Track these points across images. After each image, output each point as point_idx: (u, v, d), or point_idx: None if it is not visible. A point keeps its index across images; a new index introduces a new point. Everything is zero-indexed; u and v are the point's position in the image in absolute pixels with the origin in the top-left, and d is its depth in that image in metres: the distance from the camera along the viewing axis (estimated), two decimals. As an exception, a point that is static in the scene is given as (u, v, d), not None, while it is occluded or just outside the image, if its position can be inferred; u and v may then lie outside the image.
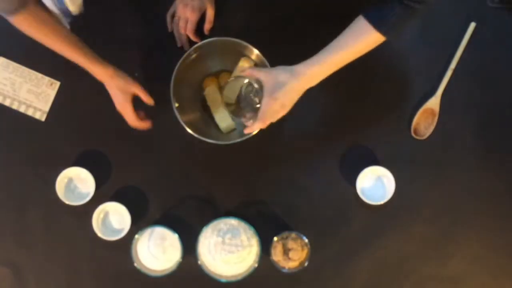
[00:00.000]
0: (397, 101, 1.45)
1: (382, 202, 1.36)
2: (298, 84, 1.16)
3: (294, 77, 1.15)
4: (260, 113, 1.19)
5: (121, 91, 1.27)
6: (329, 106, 1.45)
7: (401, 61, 1.47)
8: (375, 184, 1.40)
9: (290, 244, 1.31)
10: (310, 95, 1.42)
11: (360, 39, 1.13)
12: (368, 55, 1.41)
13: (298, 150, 1.43)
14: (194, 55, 1.33)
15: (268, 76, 1.18)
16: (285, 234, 1.31)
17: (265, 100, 1.17)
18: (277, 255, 1.32)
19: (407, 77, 1.47)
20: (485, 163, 1.42)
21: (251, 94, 1.25)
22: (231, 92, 1.32)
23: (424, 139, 1.43)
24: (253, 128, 1.22)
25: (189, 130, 1.29)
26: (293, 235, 1.31)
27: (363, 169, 1.36)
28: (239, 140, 1.29)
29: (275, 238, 1.31)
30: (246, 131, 1.23)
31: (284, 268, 1.31)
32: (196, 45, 1.30)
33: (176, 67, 1.29)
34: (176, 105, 1.29)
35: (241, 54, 1.35)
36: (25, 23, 1.19)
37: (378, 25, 1.10)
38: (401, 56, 1.47)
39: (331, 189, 1.41)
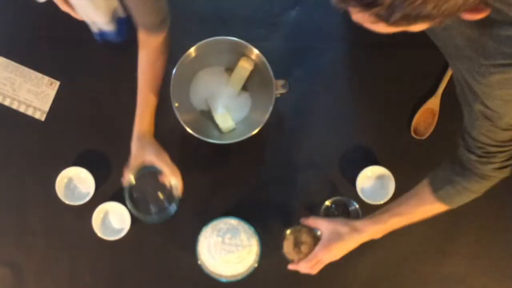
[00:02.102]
0: (397, 101, 1.45)
1: (382, 202, 1.36)
2: (357, 239, 1.17)
3: (354, 232, 1.16)
4: (310, 256, 1.21)
5: (137, 151, 1.23)
6: (329, 106, 1.45)
7: (401, 61, 1.47)
8: (375, 184, 1.40)
9: (304, 237, 1.28)
10: (310, 95, 1.43)
11: (421, 207, 1.13)
12: (368, 57, 1.42)
13: (298, 150, 1.42)
14: (194, 55, 1.33)
15: (328, 226, 1.19)
16: (298, 227, 1.29)
17: (319, 248, 1.19)
18: (288, 247, 1.29)
19: (407, 77, 1.46)
20: (485, 163, 1.42)
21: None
22: (237, 82, 1.33)
23: (424, 139, 1.43)
24: (298, 267, 1.23)
25: (189, 130, 1.29)
26: (306, 228, 1.29)
27: (363, 169, 1.36)
28: (239, 139, 1.29)
29: (288, 231, 1.29)
30: (290, 266, 1.25)
31: (293, 260, 1.29)
32: (196, 45, 1.30)
33: (176, 67, 1.29)
34: (176, 105, 1.29)
35: (241, 53, 1.35)
36: (157, 46, 1.18)
37: (437, 195, 1.09)
38: (400, 56, 1.47)
39: (331, 189, 1.41)
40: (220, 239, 1.32)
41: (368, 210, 1.36)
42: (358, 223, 1.17)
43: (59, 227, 1.39)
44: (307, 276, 1.38)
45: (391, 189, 1.36)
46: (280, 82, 1.30)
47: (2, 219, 1.39)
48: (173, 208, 1.28)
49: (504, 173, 1.02)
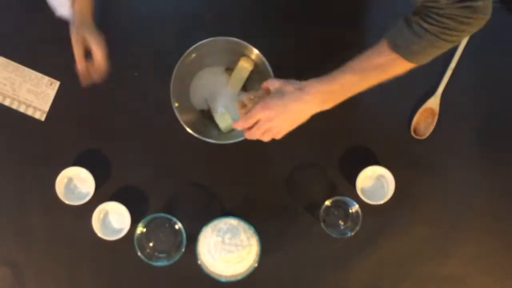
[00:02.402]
0: (397, 101, 1.45)
1: (382, 202, 1.36)
2: (299, 99, 1.03)
3: (297, 91, 1.03)
4: (248, 114, 1.08)
5: (76, 29, 1.19)
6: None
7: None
8: (375, 184, 1.40)
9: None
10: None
11: (381, 63, 1.01)
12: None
13: (298, 150, 1.42)
14: (194, 55, 1.33)
15: (276, 84, 1.07)
16: (259, 91, 1.16)
17: (258, 105, 1.07)
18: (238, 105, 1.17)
19: (407, 77, 1.46)
20: (485, 163, 1.43)
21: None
22: (237, 82, 1.36)
23: (424, 139, 1.43)
24: (237, 124, 1.11)
25: (189, 130, 1.29)
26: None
27: (363, 169, 1.36)
28: (239, 140, 1.29)
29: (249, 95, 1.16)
30: (234, 124, 1.13)
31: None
32: (196, 45, 1.30)
33: (176, 67, 1.29)
34: (176, 104, 1.29)
35: (241, 53, 1.35)
36: None
37: (404, 53, 0.98)
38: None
39: (331, 189, 1.41)
40: (220, 239, 1.32)
41: (368, 210, 1.36)
42: (305, 82, 1.02)
43: (59, 227, 1.39)
44: (307, 277, 1.38)
45: (391, 189, 1.36)
46: None
47: (2, 219, 1.39)
48: (180, 253, 1.32)
49: (469, 12, 0.91)
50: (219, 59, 1.40)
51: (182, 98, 1.34)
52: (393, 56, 0.99)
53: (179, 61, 1.29)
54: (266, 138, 1.09)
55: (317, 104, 1.03)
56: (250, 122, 1.06)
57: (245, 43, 1.31)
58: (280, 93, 1.04)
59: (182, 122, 1.28)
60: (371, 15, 1.49)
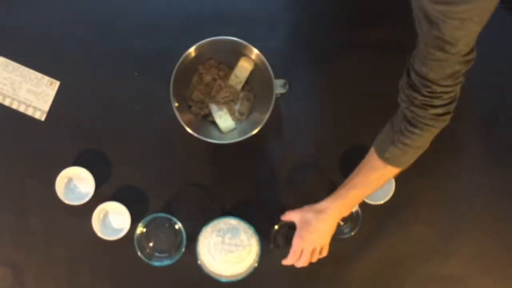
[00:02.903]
0: (396, 101, 1.45)
1: (381, 202, 1.36)
2: (325, 219, 1.18)
3: (319, 215, 1.18)
4: (290, 252, 1.22)
5: None
6: (329, 106, 1.45)
7: (399, 61, 1.47)
8: (375, 184, 1.40)
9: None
10: (310, 95, 1.43)
11: (374, 176, 1.15)
12: (368, 57, 1.42)
13: (298, 150, 1.43)
14: (194, 55, 1.33)
15: (297, 215, 1.22)
16: (282, 223, 1.30)
17: (294, 239, 1.21)
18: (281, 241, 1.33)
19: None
20: (485, 162, 1.43)
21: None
22: (237, 82, 1.36)
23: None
24: (287, 261, 1.23)
25: (189, 130, 1.29)
26: (288, 223, 1.30)
27: (363, 169, 1.36)
28: (239, 139, 1.29)
29: (276, 227, 1.32)
30: (283, 262, 1.25)
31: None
32: (196, 45, 1.30)
33: (176, 67, 1.29)
34: (176, 104, 1.29)
35: (241, 53, 1.35)
36: None
37: (384, 159, 1.11)
38: (400, 56, 1.46)
39: (331, 189, 1.40)
40: (220, 239, 1.32)
41: (368, 210, 1.36)
42: (320, 205, 1.19)
43: (59, 227, 1.39)
44: (307, 276, 1.38)
45: (391, 189, 1.36)
46: (280, 82, 1.30)
47: (2, 219, 1.39)
48: (180, 253, 1.32)
49: (444, 121, 1.03)
50: (219, 59, 1.39)
51: (182, 98, 1.34)
52: (387, 168, 1.12)
53: (179, 61, 1.29)
54: (315, 259, 1.24)
55: (337, 217, 1.20)
56: (297, 255, 1.21)
57: (245, 43, 1.31)
58: (305, 222, 1.20)
59: (182, 122, 1.28)
60: (372, 13, 1.49)
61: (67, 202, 1.36)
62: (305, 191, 1.41)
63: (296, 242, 1.20)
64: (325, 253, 1.24)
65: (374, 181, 1.16)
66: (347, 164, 1.40)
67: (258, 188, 1.42)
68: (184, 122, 1.29)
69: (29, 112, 1.42)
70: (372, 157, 1.13)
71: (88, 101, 1.42)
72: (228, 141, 1.31)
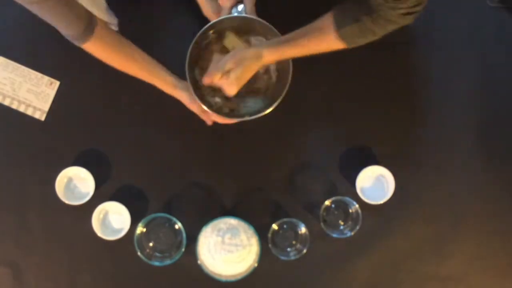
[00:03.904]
0: (397, 101, 1.45)
1: (381, 202, 1.36)
2: (257, 64, 1.18)
3: (257, 59, 1.17)
4: (210, 67, 1.21)
5: (185, 98, 1.31)
6: (329, 106, 1.44)
7: (400, 60, 1.47)
8: (375, 183, 1.40)
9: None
10: (310, 95, 1.43)
11: (321, 42, 1.14)
12: (368, 56, 1.42)
13: (298, 150, 1.43)
14: (208, 34, 1.30)
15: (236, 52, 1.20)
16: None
17: (225, 56, 1.19)
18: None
19: (407, 77, 1.46)
20: (485, 163, 1.43)
21: None
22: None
23: (424, 139, 1.43)
24: (206, 76, 1.21)
25: (204, 107, 1.27)
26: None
27: (363, 169, 1.36)
28: (254, 117, 1.27)
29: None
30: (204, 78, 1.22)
31: None
32: (209, 24, 1.27)
33: (191, 45, 1.27)
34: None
35: (254, 31, 1.32)
36: (95, 49, 1.19)
37: (340, 32, 1.10)
38: (400, 56, 1.47)
39: (331, 189, 1.41)
40: (220, 239, 1.32)
41: (368, 210, 1.36)
42: (260, 51, 1.17)
43: (59, 227, 1.39)
44: (307, 276, 1.38)
45: (391, 189, 1.36)
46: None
47: (2, 219, 1.39)
48: (180, 253, 1.32)
49: (408, 20, 1.04)
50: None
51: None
52: (336, 42, 1.13)
53: (194, 40, 1.27)
54: (216, 81, 1.21)
55: (265, 66, 1.23)
56: (216, 71, 1.20)
57: (265, 23, 1.27)
58: (240, 56, 1.19)
59: (196, 97, 1.27)
60: None
61: (67, 202, 1.36)
62: (305, 191, 1.41)
63: (226, 58, 1.19)
64: (231, 89, 1.20)
65: (316, 49, 1.15)
66: (347, 164, 1.41)
67: (258, 188, 1.41)
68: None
69: (29, 112, 1.42)
70: (326, 26, 1.12)
71: (88, 101, 1.42)
72: (241, 119, 1.29)
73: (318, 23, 1.14)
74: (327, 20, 1.12)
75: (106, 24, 1.22)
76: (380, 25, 1.06)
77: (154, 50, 1.30)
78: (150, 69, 1.28)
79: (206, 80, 1.21)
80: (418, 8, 1.01)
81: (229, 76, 1.18)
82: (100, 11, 1.26)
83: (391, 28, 1.07)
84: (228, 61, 1.18)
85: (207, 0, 1.32)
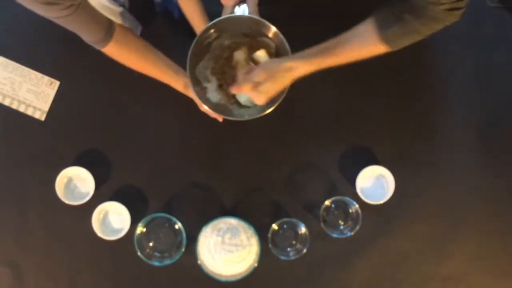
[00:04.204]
0: (397, 101, 1.45)
1: (381, 202, 1.37)
2: (289, 77, 1.15)
3: (288, 71, 1.14)
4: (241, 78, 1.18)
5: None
6: (329, 106, 1.45)
7: (399, 60, 1.47)
8: (375, 183, 1.40)
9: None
10: (310, 95, 1.43)
11: (362, 48, 1.10)
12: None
13: (298, 150, 1.43)
14: (209, 33, 1.28)
15: (266, 67, 1.18)
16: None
17: (256, 69, 1.16)
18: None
19: (407, 77, 1.47)
20: (485, 163, 1.43)
21: None
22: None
23: (424, 139, 1.43)
24: (236, 85, 1.19)
25: (206, 107, 1.27)
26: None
27: (363, 169, 1.37)
28: (256, 116, 1.25)
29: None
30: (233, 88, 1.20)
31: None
32: (211, 23, 1.25)
33: (193, 44, 1.26)
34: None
35: (258, 32, 1.31)
36: (113, 52, 1.22)
37: (383, 35, 1.06)
38: (400, 56, 1.46)
39: (331, 189, 1.41)
40: (220, 239, 1.32)
41: (368, 210, 1.36)
42: (291, 63, 1.13)
43: (59, 227, 1.39)
44: (307, 276, 1.38)
45: (391, 189, 1.36)
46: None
47: (2, 219, 1.39)
48: (180, 253, 1.32)
49: (453, 16, 1.00)
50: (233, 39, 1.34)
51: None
52: (378, 46, 1.08)
53: (196, 39, 1.25)
54: (247, 90, 1.18)
55: (293, 78, 1.16)
56: (248, 81, 1.17)
57: (264, 21, 1.25)
58: (272, 67, 1.16)
59: (197, 97, 1.25)
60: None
61: (67, 202, 1.36)
62: (305, 191, 1.41)
63: (257, 71, 1.15)
64: (259, 99, 1.17)
65: (357, 55, 1.10)
66: (347, 164, 1.41)
67: (258, 188, 1.41)
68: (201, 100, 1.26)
69: (29, 112, 1.42)
70: (367, 30, 1.07)
71: (88, 101, 1.43)
72: (242, 119, 1.27)
73: (358, 28, 1.10)
74: (368, 24, 1.08)
75: (123, 28, 1.24)
76: (425, 23, 1.01)
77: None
78: (164, 69, 1.30)
79: (235, 90, 1.20)
80: (461, 4, 0.97)
81: (258, 88, 1.15)
82: (116, 18, 1.29)
83: (437, 26, 1.02)
84: (259, 73, 1.15)
85: None
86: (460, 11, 1.00)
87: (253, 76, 1.16)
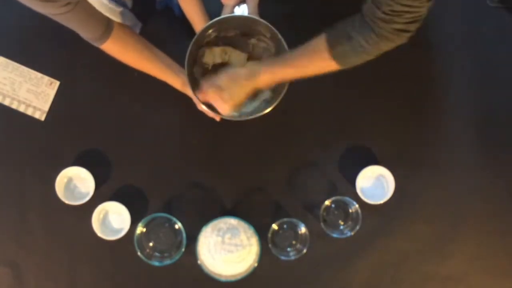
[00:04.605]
0: (397, 101, 1.45)
1: (381, 202, 1.37)
2: (250, 83, 1.16)
3: (250, 76, 1.15)
4: (204, 85, 1.19)
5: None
6: (329, 106, 1.45)
7: (399, 61, 1.47)
8: (375, 183, 1.40)
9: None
10: (310, 95, 1.43)
11: (314, 63, 1.12)
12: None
13: (298, 150, 1.43)
14: (207, 33, 1.29)
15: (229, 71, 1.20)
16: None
17: (217, 76, 1.18)
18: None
19: (407, 77, 1.47)
20: (485, 162, 1.43)
21: None
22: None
23: (424, 139, 1.43)
24: (201, 93, 1.21)
25: (203, 107, 1.27)
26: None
27: (363, 169, 1.37)
28: (254, 116, 1.25)
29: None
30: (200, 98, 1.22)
31: None
32: (211, 22, 1.25)
33: (191, 44, 1.26)
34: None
35: (254, 30, 1.31)
36: (111, 49, 1.22)
37: (333, 52, 1.07)
38: (400, 56, 1.46)
39: (331, 189, 1.41)
40: (220, 238, 1.32)
41: (368, 210, 1.36)
42: (254, 69, 1.15)
43: (59, 227, 1.39)
44: (307, 276, 1.38)
45: (391, 189, 1.36)
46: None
47: (2, 219, 1.39)
48: (180, 253, 1.32)
49: (402, 38, 1.01)
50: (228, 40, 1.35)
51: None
52: (330, 63, 1.09)
53: (193, 39, 1.25)
54: (211, 99, 1.20)
55: (256, 88, 1.18)
56: (208, 88, 1.19)
57: (263, 21, 1.25)
58: (233, 74, 1.17)
59: (193, 94, 1.26)
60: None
61: (67, 202, 1.36)
62: (305, 191, 1.41)
63: (219, 76, 1.17)
64: (224, 107, 1.18)
65: (312, 70, 1.12)
66: (347, 164, 1.41)
67: (258, 188, 1.42)
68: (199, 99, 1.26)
69: (29, 112, 1.42)
70: (320, 46, 1.09)
71: (88, 101, 1.43)
72: (244, 118, 1.27)
73: (312, 43, 1.11)
74: (320, 40, 1.09)
75: (122, 25, 1.24)
76: (373, 42, 1.02)
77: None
78: (163, 68, 1.30)
79: (200, 97, 1.21)
80: (413, 27, 0.98)
81: (222, 93, 1.17)
82: (116, 18, 1.29)
83: (384, 46, 1.03)
84: (221, 78, 1.17)
85: None
86: (409, 34, 1.00)
87: (215, 80, 1.17)
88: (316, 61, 1.11)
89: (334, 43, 1.07)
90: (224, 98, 1.17)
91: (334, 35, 1.07)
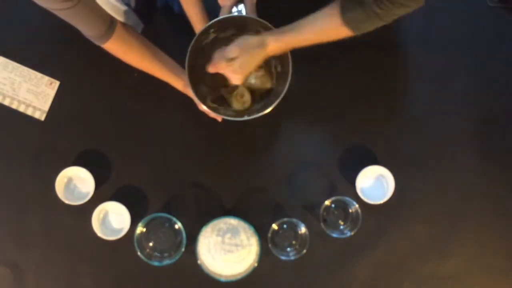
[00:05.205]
0: (397, 101, 1.45)
1: (381, 202, 1.37)
2: (262, 52, 1.16)
3: (261, 46, 1.16)
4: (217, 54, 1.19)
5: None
6: (329, 106, 1.45)
7: (400, 61, 1.47)
8: (375, 183, 1.40)
9: None
10: (310, 95, 1.43)
11: (326, 29, 1.12)
12: (368, 56, 1.42)
13: (298, 150, 1.43)
14: (206, 34, 1.29)
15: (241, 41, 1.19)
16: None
17: (229, 46, 1.17)
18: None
19: (407, 77, 1.47)
20: (485, 162, 1.43)
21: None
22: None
23: (424, 139, 1.43)
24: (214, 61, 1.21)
25: (204, 107, 1.27)
26: None
27: (363, 169, 1.37)
28: (254, 116, 1.25)
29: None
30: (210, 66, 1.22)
31: None
32: (212, 22, 1.26)
33: (191, 45, 1.25)
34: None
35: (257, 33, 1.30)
36: (113, 48, 1.22)
37: (345, 17, 1.07)
38: (400, 56, 1.47)
39: (331, 189, 1.41)
40: (220, 238, 1.32)
41: (368, 210, 1.36)
42: (264, 39, 1.15)
43: (59, 227, 1.39)
44: (307, 276, 1.38)
45: (391, 189, 1.36)
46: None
47: (2, 219, 1.39)
48: (180, 253, 1.32)
49: (417, 2, 1.00)
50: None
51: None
52: (342, 29, 1.09)
53: (194, 39, 1.25)
54: (222, 69, 1.20)
55: (269, 55, 1.18)
56: (223, 58, 1.19)
57: (263, 21, 1.25)
58: (247, 43, 1.18)
59: (197, 98, 1.26)
60: None
61: (67, 202, 1.36)
62: (305, 191, 1.41)
63: (230, 47, 1.17)
64: (236, 77, 1.19)
65: (322, 36, 1.13)
66: (347, 164, 1.41)
67: (258, 188, 1.42)
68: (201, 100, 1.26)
69: (29, 112, 1.42)
70: (332, 12, 1.09)
71: (88, 101, 1.43)
72: (240, 119, 1.27)
73: (324, 9, 1.12)
74: (334, 6, 1.09)
75: (125, 25, 1.24)
76: (385, 7, 1.02)
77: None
78: (164, 68, 1.30)
79: (211, 69, 1.21)
80: None
81: (233, 64, 1.17)
82: (120, 17, 1.29)
83: (397, 11, 1.02)
84: (232, 49, 1.17)
85: None
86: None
87: (227, 52, 1.17)
88: (327, 27, 1.12)
89: (346, 9, 1.07)
90: (234, 69, 1.17)
91: (347, 1, 1.07)
